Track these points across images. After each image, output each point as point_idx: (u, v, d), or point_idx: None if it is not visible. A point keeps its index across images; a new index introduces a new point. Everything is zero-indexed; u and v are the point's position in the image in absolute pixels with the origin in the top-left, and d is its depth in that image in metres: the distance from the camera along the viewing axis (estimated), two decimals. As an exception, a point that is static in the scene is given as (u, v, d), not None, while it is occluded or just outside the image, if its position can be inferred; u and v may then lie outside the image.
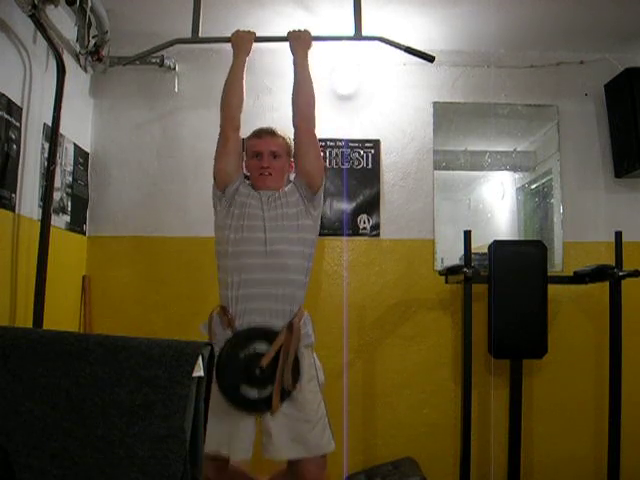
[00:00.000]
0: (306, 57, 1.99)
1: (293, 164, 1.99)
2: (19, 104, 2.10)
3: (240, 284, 1.84)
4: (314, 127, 1.94)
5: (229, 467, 1.87)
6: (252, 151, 1.96)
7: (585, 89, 2.96)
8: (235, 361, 1.78)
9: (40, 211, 2.21)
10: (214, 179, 1.96)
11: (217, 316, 1.89)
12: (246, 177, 2.03)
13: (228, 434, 1.76)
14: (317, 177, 1.94)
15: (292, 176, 2.02)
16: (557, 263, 2.87)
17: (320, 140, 1.99)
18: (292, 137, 1.96)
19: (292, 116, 1.95)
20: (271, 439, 1.77)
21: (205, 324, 1.93)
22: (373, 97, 2.92)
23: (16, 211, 2.10)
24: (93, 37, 2.52)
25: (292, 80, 2.10)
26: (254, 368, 1.76)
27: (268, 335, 1.80)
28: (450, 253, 2.82)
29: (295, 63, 1.99)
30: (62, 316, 2.51)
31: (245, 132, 1.97)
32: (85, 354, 1.08)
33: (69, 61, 2.45)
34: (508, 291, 2.44)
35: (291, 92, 1.97)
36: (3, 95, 1.98)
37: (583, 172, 2.93)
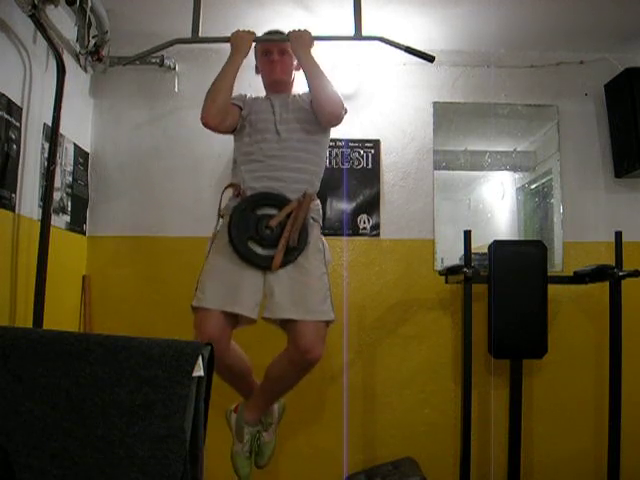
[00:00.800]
0: (310, 56, 1.99)
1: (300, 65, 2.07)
2: (19, 104, 2.10)
3: (255, 169, 1.95)
4: (343, 117, 2.03)
5: (232, 346, 1.90)
6: (262, 50, 2.09)
7: (585, 89, 2.96)
8: (247, 218, 1.87)
9: (40, 211, 2.21)
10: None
11: (230, 192, 2.00)
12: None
13: (232, 291, 1.81)
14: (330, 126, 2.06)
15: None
16: (557, 263, 2.87)
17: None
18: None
19: (320, 117, 2.00)
20: (273, 298, 1.83)
21: (225, 206, 2.01)
22: (373, 97, 2.92)
23: (16, 211, 2.10)
24: (93, 37, 2.52)
25: (293, 80, 2.12)
26: (264, 227, 1.86)
27: (280, 200, 1.90)
28: (450, 253, 2.82)
29: (302, 65, 2.00)
30: (62, 316, 2.51)
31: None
32: (85, 354, 1.08)
33: (69, 61, 2.45)
34: (508, 291, 2.44)
35: (296, 90, 2.02)
36: (3, 95, 1.98)
37: (583, 172, 2.93)
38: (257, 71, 2.17)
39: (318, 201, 2.03)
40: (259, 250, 1.86)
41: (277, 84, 2.09)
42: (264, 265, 1.85)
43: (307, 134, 2.00)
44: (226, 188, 2.02)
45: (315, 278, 1.88)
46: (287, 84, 2.11)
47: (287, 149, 1.96)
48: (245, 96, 2.09)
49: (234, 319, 1.84)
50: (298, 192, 1.94)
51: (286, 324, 1.85)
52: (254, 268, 1.86)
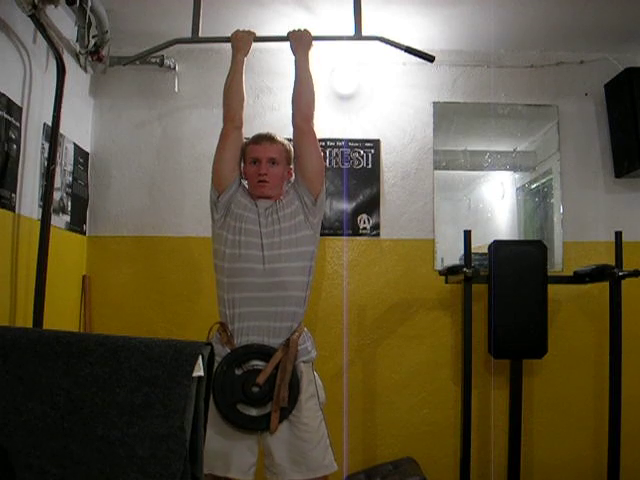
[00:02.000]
0: (307, 57, 1.99)
1: (292, 172, 1.96)
2: (19, 104, 2.10)
3: (237, 302, 1.81)
4: (313, 126, 1.92)
5: None
6: (250, 157, 1.91)
7: (585, 89, 2.96)
8: (231, 379, 1.75)
9: (40, 211, 2.21)
10: (212, 181, 1.93)
11: (217, 333, 1.85)
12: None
13: (225, 455, 1.73)
14: (318, 178, 1.92)
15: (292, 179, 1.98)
16: (557, 263, 2.87)
17: (320, 140, 1.99)
18: (292, 138, 1.95)
19: (292, 115, 1.94)
20: (273, 460, 1.76)
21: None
22: (373, 97, 2.92)
23: (16, 211, 2.10)
24: (93, 37, 2.51)
25: (292, 80, 2.11)
26: (251, 386, 1.74)
27: (265, 352, 1.77)
28: (450, 253, 2.82)
29: (296, 63, 1.99)
30: (62, 316, 2.51)
31: (245, 132, 1.97)
32: (85, 354, 1.08)
33: (69, 61, 2.45)
34: (508, 291, 2.44)
35: (291, 91, 1.97)
36: (3, 95, 1.98)
37: (583, 172, 2.93)
38: (244, 175, 1.96)
39: (305, 334, 1.87)
40: (250, 411, 1.76)
41: (263, 198, 1.91)
42: (258, 427, 1.76)
43: (295, 249, 1.84)
44: (214, 325, 1.86)
45: (313, 431, 1.79)
46: (275, 197, 1.91)
47: (272, 275, 1.80)
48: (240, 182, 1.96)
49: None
50: (282, 333, 1.80)
51: None
52: (247, 431, 1.77)
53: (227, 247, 1.85)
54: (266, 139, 1.92)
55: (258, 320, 1.80)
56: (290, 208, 1.88)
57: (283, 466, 1.75)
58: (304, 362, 1.84)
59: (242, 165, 1.96)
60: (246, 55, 2.01)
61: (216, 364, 1.72)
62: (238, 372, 1.77)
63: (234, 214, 1.87)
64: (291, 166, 1.96)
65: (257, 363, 1.77)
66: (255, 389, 1.74)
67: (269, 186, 1.89)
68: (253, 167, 1.90)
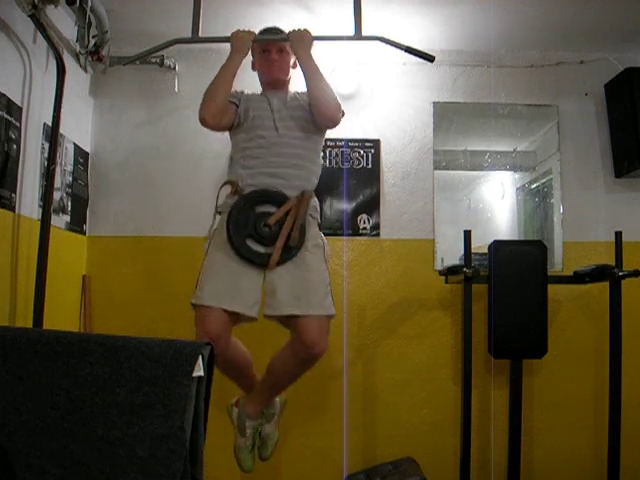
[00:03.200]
0: (310, 56, 1.99)
1: (297, 63, 2.06)
2: (19, 104, 2.10)
3: (252, 165, 1.94)
4: (340, 120, 2.02)
5: (233, 341, 1.90)
6: (260, 47, 2.06)
7: (585, 89, 2.96)
8: (246, 215, 1.86)
9: (40, 211, 2.21)
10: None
11: (227, 193, 1.98)
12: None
13: (231, 289, 1.81)
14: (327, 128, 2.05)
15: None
16: (557, 263, 2.87)
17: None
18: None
19: (317, 118, 1.98)
20: (274, 295, 1.83)
21: (222, 203, 2.00)
22: (373, 97, 2.92)
23: (16, 211, 2.10)
24: (93, 37, 2.51)
25: (293, 80, 2.11)
26: (262, 225, 1.85)
27: (279, 198, 1.89)
28: (450, 253, 2.82)
29: (301, 66, 1.99)
30: (62, 316, 2.51)
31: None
32: (85, 354, 1.08)
33: (69, 61, 2.45)
34: (508, 291, 2.44)
35: (292, 91, 2.00)
36: (3, 95, 1.98)
37: (583, 172, 2.93)
38: (253, 68, 2.15)
39: (316, 198, 2.02)
40: (258, 248, 1.86)
41: (274, 83, 2.08)
42: (263, 263, 1.85)
43: (304, 132, 1.99)
44: (223, 185, 2.01)
45: (316, 273, 1.88)
46: (284, 83, 2.09)
47: (285, 145, 1.95)
48: (241, 93, 2.07)
49: (234, 316, 1.84)
50: (296, 189, 1.93)
51: (288, 320, 1.85)
52: (253, 266, 1.86)
53: (242, 132, 2.00)
54: (274, 31, 2.07)
55: (273, 178, 1.92)
56: (302, 103, 2.02)
57: (283, 301, 1.82)
58: (312, 217, 1.96)
59: (252, 59, 2.12)
60: (244, 57, 2.01)
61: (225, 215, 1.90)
62: (251, 212, 1.88)
63: (251, 107, 2.02)
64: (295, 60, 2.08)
65: (270, 208, 1.89)
66: (266, 229, 1.86)
67: (279, 69, 2.05)
68: (263, 56, 2.06)
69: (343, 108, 2.88)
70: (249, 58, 2.12)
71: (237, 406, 2.04)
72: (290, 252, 1.85)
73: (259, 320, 1.89)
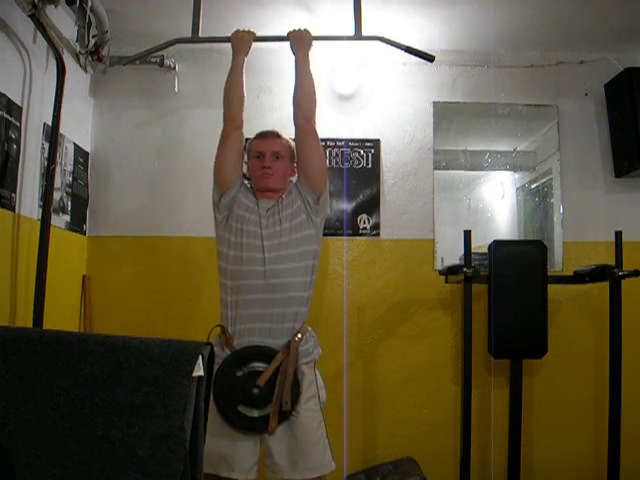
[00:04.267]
0: (307, 57, 1.98)
1: (295, 170, 1.97)
2: (19, 104, 2.10)
3: (239, 304, 1.81)
4: (315, 125, 1.93)
5: None
6: (255, 151, 1.93)
7: (585, 89, 2.96)
8: (232, 380, 1.75)
9: (40, 211, 2.21)
10: (214, 181, 1.94)
11: (216, 336, 1.85)
12: (246, 178, 2.01)
13: (227, 455, 1.74)
14: (321, 177, 1.92)
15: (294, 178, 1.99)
16: (557, 263, 2.87)
17: (320, 139, 1.98)
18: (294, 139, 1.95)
19: (293, 114, 1.94)
20: (272, 459, 1.77)
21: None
22: (373, 97, 2.92)
23: (16, 211, 2.10)
24: (93, 37, 2.51)
25: (292, 80, 2.10)
26: (251, 387, 1.74)
27: (266, 354, 1.77)
28: (450, 253, 2.82)
29: (296, 63, 1.99)
30: (62, 316, 2.51)
31: (246, 132, 1.97)
32: (85, 354, 1.08)
33: (69, 61, 2.45)
34: (508, 291, 2.44)
35: (292, 91, 1.97)
36: (3, 95, 1.98)
37: (583, 172, 2.93)
38: (247, 171, 1.98)
39: (309, 334, 1.87)
40: (251, 412, 1.76)
41: (267, 191, 1.92)
42: (259, 428, 1.76)
43: (296, 249, 1.85)
44: (213, 328, 1.83)
45: (312, 432, 1.79)
46: (278, 192, 1.93)
47: (274, 276, 1.80)
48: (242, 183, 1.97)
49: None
50: (285, 334, 1.80)
51: None
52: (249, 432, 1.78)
53: (230, 249, 1.85)
54: (271, 134, 1.95)
55: (259, 322, 1.80)
56: (292, 208, 1.89)
57: (282, 465, 1.76)
58: (305, 364, 1.83)
59: (246, 162, 1.97)
60: (246, 56, 2.01)
61: (216, 366, 1.74)
62: (239, 373, 1.77)
63: (236, 215, 1.87)
64: (294, 164, 1.97)
65: (258, 364, 1.77)
66: (255, 390, 1.74)
67: (273, 179, 1.90)
68: (257, 161, 1.92)
69: (343, 108, 2.92)
70: (251, 59, 2.11)
71: None
72: (284, 414, 1.75)
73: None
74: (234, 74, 1.95)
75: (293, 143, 1.96)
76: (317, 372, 1.89)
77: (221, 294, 1.88)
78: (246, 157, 1.98)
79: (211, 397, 1.68)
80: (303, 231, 1.87)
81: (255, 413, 1.76)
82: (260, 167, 1.90)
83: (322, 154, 1.96)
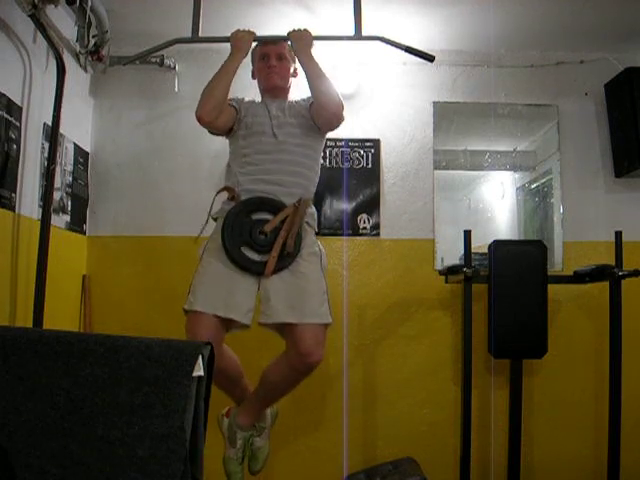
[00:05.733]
0: (311, 57, 1.98)
1: (298, 71, 2.07)
2: (19, 104, 2.10)
3: (250, 171, 1.93)
4: (343, 117, 2.01)
5: (224, 350, 1.88)
6: (260, 54, 2.07)
7: (585, 89, 2.96)
8: (241, 222, 1.85)
9: (40, 211, 2.21)
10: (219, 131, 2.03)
11: (225, 199, 1.98)
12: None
13: (228, 297, 1.79)
14: (330, 129, 2.04)
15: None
16: (557, 263, 2.87)
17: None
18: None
19: (321, 118, 1.98)
20: (269, 303, 1.82)
21: (219, 209, 1.99)
22: (373, 97, 2.92)
23: (16, 211, 2.10)
24: (93, 37, 2.52)
25: (292, 80, 2.11)
26: (258, 233, 1.84)
27: (276, 207, 1.88)
28: (450, 253, 2.82)
29: (303, 65, 1.99)
30: (62, 316, 2.51)
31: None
32: (85, 354, 1.08)
33: (69, 61, 2.45)
34: (508, 291, 2.44)
35: (296, 92, 2.00)
36: (3, 95, 1.98)
37: (583, 172, 2.93)
38: (253, 76, 2.14)
39: (313, 207, 2.02)
40: (253, 255, 1.84)
41: (274, 90, 2.06)
42: (258, 271, 1.83)
43: (303, 139, 1.98)
44: (220, 191, 1.99)
45: (312, 281, 1.86)
46: (284, 90, 2.08)
47: (283, 152, 1.94)
48: (242, 99, 2.07)
49: (227, 324, 1.81)
50: (293, 196, 1.91)
51: (283, 329, 1.83)
52: (248, 273, 1.84)
53: (240, 138, 1.99)
54: (274, 39, 2.07)
55: (270, 185, 1.91)
56: (301, 110, 2.02)
57: (278, 309, 1.80)
58: (309, 225, 1.95)
59: (252, 67, 2.12)
60: (245, 56, 2.01)
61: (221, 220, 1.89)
62: (247, 219, 1.86)
63: (250, 113, 2.01)
64: (296, 66, 2.08)
65: (266, 215, 1.87)
66: (261, 236, 1.84)
67: (279, 76, 2.05)
68: (263, 62, 2.06)
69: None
70: (248, 64, 2.12)
71: (227, 416, 2.00)
72: (285, 260, 1.83)
73: (253, 328, 1.87)
74: (227, 73, 1.95)
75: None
76: (318, 241, 2.00)
77: (227, 173, 2.03)
78: (251, 63, 2.12)
79: (219, 237, 1.85)
80: (307, 129, 2.00)
81: (256, 257, 1.84)
82: (266, 67, 2.04)
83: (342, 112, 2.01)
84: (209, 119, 1.93)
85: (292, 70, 2.09)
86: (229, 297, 1.79)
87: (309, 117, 2.00)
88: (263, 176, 1.92)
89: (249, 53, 2.05)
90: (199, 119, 1.94)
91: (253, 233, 1.84)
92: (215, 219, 1.99)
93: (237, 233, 1.84)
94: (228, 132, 2.05)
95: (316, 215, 2.03)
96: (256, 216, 1.87)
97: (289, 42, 2.04)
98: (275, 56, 2.03)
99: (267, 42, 2.06)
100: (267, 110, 2.00)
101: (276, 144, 1.94)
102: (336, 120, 1.98)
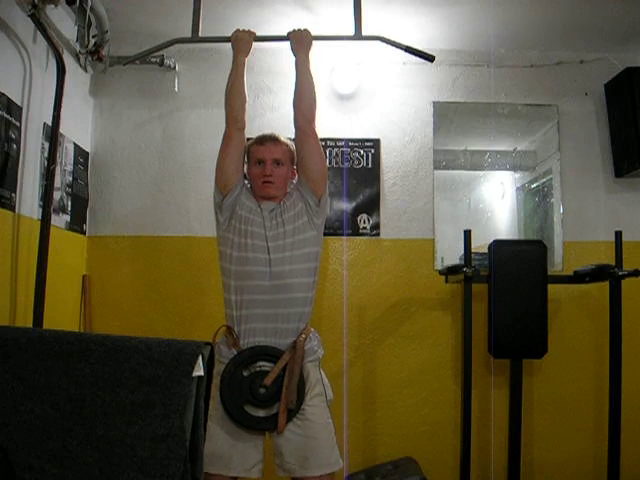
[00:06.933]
0: (307, 57, 1.98)
1: (295, 172, 1.96)
2: (19, 104, 2.10)
3: (244, 304, 1.82)
4: (315, 128, 1.92)
5: None
6: (255, 158, 1.91)
7: (585, 89, 2.96)
8: (239, 380, 1.76)
9: (40, 211, 2.21)
10: (216, 182, 1.93)
11: (222, 336, 1.87)
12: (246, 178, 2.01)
13: (225, 454, 1.75)
14: (321, 180, 1.91)
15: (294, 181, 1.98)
16: (557, 262, 2.87)
17: (320, 139, 1.98)
18: (293, 139, 1.94)
19: (293, 117, 1.94)
20: (282, 458, 1.77)
21: (217, 344, 1.89)
22: (373, 96, 2.92)
23: (16, 211, 2.10)
24: (93, 37, 2.51)
25: (292, 80, 2.10)
26: (258, 387, 1.75)
27: (272, 354, 1.78)
28: (450, 252, 2.82)
29: (296, 64, 1.99)
30: (62, 316, 2.50)
31: (246, 132, 1.96)
32: (85, 354, 1.08)
33: (69, 61, 2.44)
34: (508, 291, 2.44)
35: (292, 92, 1.97)
36: (3, 95, 1.98)
37: (583, 172, 2.93)
38: (246, 176, 1.96)
39: (312, 334, 1.89)
40: (257, 412, 1.77)
41: (269, 199, 1.91)
42: (264, 428, 1.78)
43: (300, 251, 1.86)
44: (220, 328, 1.86)
45: (320, 429, 1.81)
46: (279, 197, 1.92)
47: (278, 277, 1.81)
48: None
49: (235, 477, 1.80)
50: (290, 334, 1.82)
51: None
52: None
53: (234, 250, 1.85)
54: (270, 140, 1.92)
55: (265, 322, 1.81)
56: (294, 210, 1.89)
57: (292, 464, 1.77)
58: (310, 362, 1.85)
59: (246, 166, 1.95)
60: (247, 56, 2.00)
61: (223, 365, 1.78)
62: (245, 373, 1.78)
63: (239, 216, 1.87)
64: (294, 166, 1.96)
65: (264, 364, 1.78)
66: (262, 390, 1.75)
67: (274, 187, 1.89)
68: (258, 168, 1.90)
69: (343, 108, 2.92)
70: (251, 60, 2.10)
71: None
72: (292, 412, 1.77)
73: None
74: (236, 75, 1.94)
75: (292, 144, 1.95)
76: (322, 371, 1.91)
77: (225, 294, 1.88)
78: (246, 160, 1.96)
79: (217, 398, 1.74)
80: (306, 233, 1.87)
81: (261, 413, 1.77)
82: (261, 175, 1.89)
83: (322, 156, 1.96)
84: (239, 123, 1.88)
85: (290, 174, 1.95)
86: (234, 455, 1.75)
87: (302, 202, 1.89)
88: (259, 310, 1.80)
89: (251, 51, 2.03)
90: (230, 123, 1.88)
91: (253, 389, 1.76)
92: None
93: (236, 394, 1.76)
94: (222, 209, 1.90)
95: (318, 341, 1.91)
96: (253, 368, 1.79)
97: (289, 43, 2.03)
98: (271, 162, 1.88)
99: (264, 142, 1.90)
100: (262, 217, 1.86)
101: (271, 267, 1.81)
102: (308, 117, 1.89)
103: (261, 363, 1.79)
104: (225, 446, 1.75)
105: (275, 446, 1.79)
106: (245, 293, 1.82)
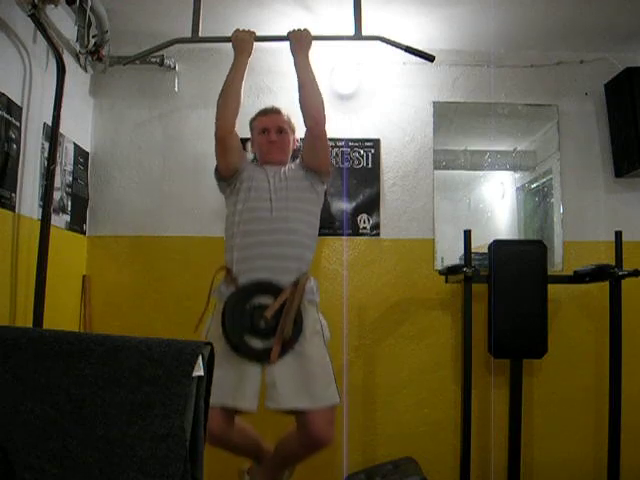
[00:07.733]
0: (307, 58, 1.98)
1: (297, 141, 2.07)
2: (19, 103, 2.10)
3: (246, 246, 1.89)
4: (323, 129, 1.97)
5: (236, 424, 1.89)
6: (259, 127, 2.04)
7: (585, 89, 2.96)
8: (241, 311, 1.83)
9: (40, 211, 2.21)
10: (218, 173, 2.00)
11: (222, 279, 1.94)
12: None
13: (233, 386, 1.79)
14: (326, 172, 2.03)
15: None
16: (557, 262, 2.87)
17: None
18: (296, 115, 2.03)
19: (303, 119, 1.96)
20: (275, 389, 1.80)
21: (216, 289, 1.97)
22: (373, 96, 2.92)
23: (16, 211, 2.10)
24: (93, 37, 2.52)
25: (293, 79, 2.10)
26: (259, 320, 1.81)
27: (273, 289, 1.85)
28: (450, 252, 2.82)
29: (296, 65, 1.98)
30: (62, 316, 2.50)
31: (246, 132, 1.97)
32: (85, 354, 1.08)
33: (69, 61, 2.44)
34: (508, 291, 2.44)
35: (292, 92, 1.97)
36: (3, 95, 1.98)
37: (583, 172, 2.93)
38: (252, 146, 2.09)
39: (312, 280, 1.97)
40: (256, 343, 1.82)
41: (273, 163, 2.04)
42: (262, 359, 1.82)
43: (302, 203, 1.96)
44: (218, 271, 1.95)
45: (317, 363, 1.85)
46: (283, 163, 2.06)
47: (281, 220, 1.90)
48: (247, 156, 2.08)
49: (234, 409, 1.82)
50: (291, 272, 1.88)
51: (293, 411, 1.84)
52: (252, 361, 1.83)
53: (239, 202, 1.95)
54: (273, 111, 2.05)
55: (266, 260, 1.88)
56: (297, 175, 2.00)
57: (285, 395, 1.79)
58: (309, 302, 1.92)
59: (249, 143, 2.10)
60: (249, 56, 2.00)
61: (223, 304, 1.86)
62: (247, 306, 1.84)
63: (245, 177, 1.98)
64: (296, 136, 2.07)
65: (265, 299, 1.84)
66: (262, 323, 1.82)
67: (279, 151, 2.03)
68: (263, 137, 2.03)
69: (343, 108, 2.92)
70: (252, 61, 2.11)
71: (249, 474, 2.07)
72: (288, 345, 1.81)
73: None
74: (236, 76, 1.94)
75: (291, 116, 2.07)
76: (320, 313, 1.97)
77: (225, 245, 1.98)
78: (249, 134, 2.08)
79: (219, 329, 1.82)
80: (307, 193, 1.99)
81: (259, 344, 1.82)
82: (266, 142, 2.02)
83: (329, 155, 2.08)
84: (228, 129, 1.92)
85: (292, 142, 2.08)
86: (234, 386, 1.79)
87: (304, 172, 2.00)
88: (260, 250, 1.88)
89: (252, 53, 2.04)
90: (219, 129, 1.92)
91: (254, 320, 1.82)
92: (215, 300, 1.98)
93: (238, 322, 1.82)
94: (228, 183, 2.01)
95: (317, 287, 1.99)
96: (255, 301, 1.84)
97: (289, 44, 2.03)
98: (275, 130, 2.02)
99: (267, 113, 2.05)
100: (266, 174, 1.99)
101: (273, 214, 1.91)
102: (315, 125, 1.94)
103: (263, 298, 1.85)
104: (228, 377, 1.79)
105: (269, 377, 1.82)
106: (247, 235, 1.90)
